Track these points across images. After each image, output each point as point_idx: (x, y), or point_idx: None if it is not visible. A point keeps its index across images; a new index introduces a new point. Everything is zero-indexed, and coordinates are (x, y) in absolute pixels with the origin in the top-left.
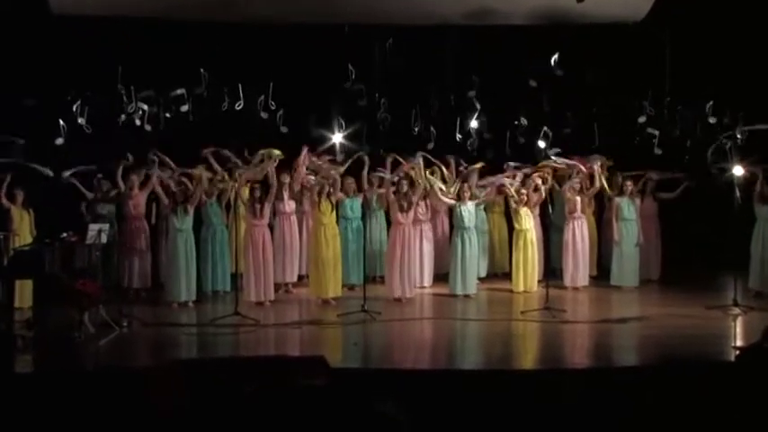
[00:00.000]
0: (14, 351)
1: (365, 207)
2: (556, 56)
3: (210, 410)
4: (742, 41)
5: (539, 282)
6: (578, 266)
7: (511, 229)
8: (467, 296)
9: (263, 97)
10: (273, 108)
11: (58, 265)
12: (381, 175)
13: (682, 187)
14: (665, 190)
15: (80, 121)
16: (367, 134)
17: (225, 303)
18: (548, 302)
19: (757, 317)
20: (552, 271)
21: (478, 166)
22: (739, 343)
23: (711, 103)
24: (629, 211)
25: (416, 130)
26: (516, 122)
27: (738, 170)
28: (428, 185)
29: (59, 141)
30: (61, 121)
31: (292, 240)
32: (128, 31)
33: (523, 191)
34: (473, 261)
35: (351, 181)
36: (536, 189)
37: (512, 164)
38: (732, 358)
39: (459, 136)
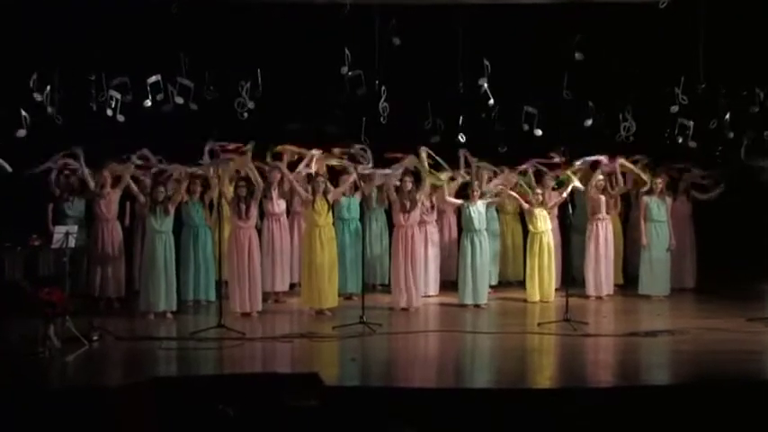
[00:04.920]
0: None
1: (364, 206)
2: (577, 38)
3: None
4: None
5: (557, 290)
6: (602, 273)
7: (525, 231)
8: (477, 306)
9: (249, 84)
10: (261, 96)
11: (21, 271)
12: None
13: (718, 190)
14: (701, 188)
15: (48, 110)
16: (366, 126)
17: (207, 314)
18: (567, 313)
19: None
20: (572, 278)
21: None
22: None
23: (751, 90)
24: (658, 212)
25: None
26: (528, 112)
27: None
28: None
29: (21, 133)
30: (23, 111)
31: (282, 244)
32: (100, 9)
33: (539, 190)
34: (484, 267)
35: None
36: (555, 188)
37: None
38: None
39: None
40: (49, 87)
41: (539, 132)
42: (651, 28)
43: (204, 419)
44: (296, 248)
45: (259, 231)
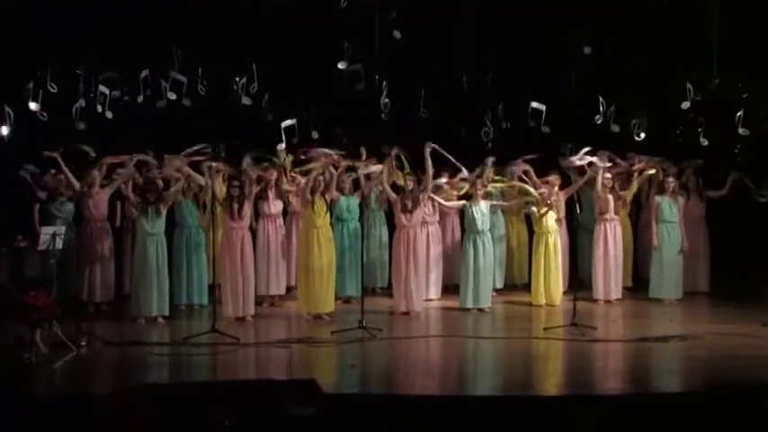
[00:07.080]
0: None
1: (363, 207)
2: (585, 31)
3: None
4: None
5: (564, 293)
6: (611, 276)
7: (531, 233)
8: (480, 310)
9: (245, 80)
10: (256, 92)
11: (6, 274)
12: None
13: (730, 181)
14: (714, 185)
15: (32, 106)
16: (365, 122)
17: (201, 319)
18: (575, 318)
19: None
20: (580, 281)
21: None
22: None
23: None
24: (670, 212)
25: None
26: (534, 109)
27: None
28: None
29: (4, 131)
30: (7, 107)
31: (278, 246)
32: (93, 4)
33: (543, 189)
34: (487, 270)
35: (346, 176)
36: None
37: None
38: None
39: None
40: (32, 84)
41: (546, 129)
42: (662, 19)
43: (197, 428)
44: (293, 250)
45: (254, 232)
